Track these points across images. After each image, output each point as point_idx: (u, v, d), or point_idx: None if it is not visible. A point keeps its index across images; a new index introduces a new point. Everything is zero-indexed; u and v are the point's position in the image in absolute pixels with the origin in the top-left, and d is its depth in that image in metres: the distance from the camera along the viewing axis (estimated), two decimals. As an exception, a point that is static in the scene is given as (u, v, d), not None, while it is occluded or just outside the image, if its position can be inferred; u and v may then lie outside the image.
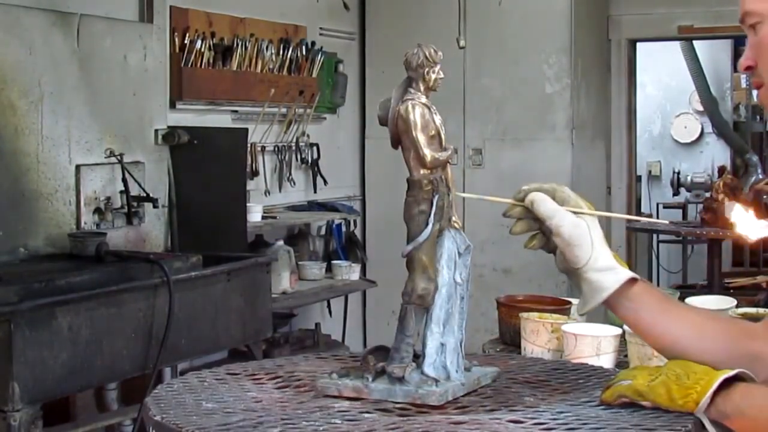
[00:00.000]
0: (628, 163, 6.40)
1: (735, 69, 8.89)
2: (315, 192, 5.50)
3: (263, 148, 5.05)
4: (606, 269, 1.49)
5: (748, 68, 1.50)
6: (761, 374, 1.44)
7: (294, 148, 5.28)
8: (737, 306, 2.54)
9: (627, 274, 1.50)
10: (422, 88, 1.53)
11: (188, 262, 3.51)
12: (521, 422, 1.40)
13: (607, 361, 2.05)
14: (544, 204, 1.50)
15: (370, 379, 1.50)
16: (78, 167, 3.70)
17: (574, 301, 2.57)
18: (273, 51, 5.03)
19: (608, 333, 2.10)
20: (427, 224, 1.50)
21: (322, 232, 5.57)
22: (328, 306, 5.43)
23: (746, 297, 4.54)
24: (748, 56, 1.50)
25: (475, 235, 5.80)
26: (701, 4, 5.98)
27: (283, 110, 5.15)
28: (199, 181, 4.16)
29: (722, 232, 4.41)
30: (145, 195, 3.86)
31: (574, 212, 1.51)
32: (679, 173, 8.87)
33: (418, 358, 1.52)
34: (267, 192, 5.11)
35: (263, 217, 4.76)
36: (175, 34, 4.49)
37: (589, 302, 1.51)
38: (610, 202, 6.26)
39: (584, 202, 1.53)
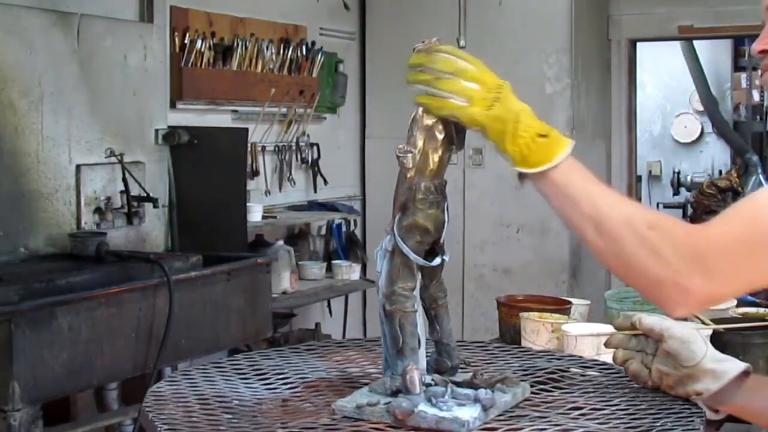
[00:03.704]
0: (628, 163, 6.39)
1: (735, 69, 8.89)
2: (315, 192, 5.50)
3: (263, 148, 5.05)
4: (725, 359, 1.57)
5: (763, 51, 1.50)
6: None
7: (294, 148, 5.28)
8: (737, 306, 2.53)
9: (744, 363, 1.56)
10: None
11: (188, 262, 3.52)
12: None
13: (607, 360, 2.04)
14: (650, 317, 1.62)
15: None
16: (78, 167, 3.70)
17: (575, 301, 2.57)
18: (273, 51, 5.03)
19: (608, 333, 2.10)
20: None
21: (323, 232, 5.57)
22: (329, 306, 5.43)
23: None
24: (765, 41, 1.50)
25: (475, 235, 5.81)
26: (701, 4, 5.98)
27: (284, 110, 5.15)
28: (199, 181, 4.16)
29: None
30: (145, 195, 3.86)
31: None
32: (679, 173, 8.88)
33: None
34: (267, 192, 5.11)
35: (263, 217, 4.76)
36: (175, 33, 4.49)
37: (709, 388, 1.53)
38: (610, 202, 6.26)
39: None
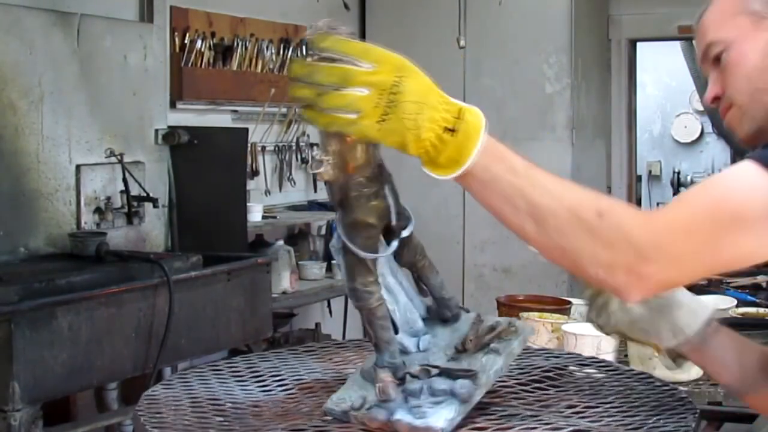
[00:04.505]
0: (628, 163, 6.40)
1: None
2: (315, 192, 5.50)
3: (263, 147, 5.05)
4: (697, 298, 1.49)
5: (716, 99, 1.49)
6: None
7: (294, 147, 5.28)
8: (737, 306, 2.54)
9: (714, 306, 1.52)
10: None
11: (188, 262, 3.52)
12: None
13: (607, 361, 2.04)
14: None
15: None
16: (78, 167, 3.70)
17: (575, 301, 2.57)
18: (273, 51, 5.03)
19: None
20: None
21: (322, 231, 5.57)
22: (329, 306, 5.43)
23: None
24: (714, 88, 1.49)
25: (475, 235, 5.81)
26: (701, 4, 5.97)
27: (284, 110, 5.15)
28: (199, 181, 4.17)
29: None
30: (145, 195, 3.86)
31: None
32: (679, 173, 8.88)
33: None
34: (267, 192, 5.11)
35: (263, 217, 4.76)
36: (175, 34, 4.49)
37: (689, 325, 1.46)
38: (610, 202, 6.26)
39: None
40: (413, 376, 1.40)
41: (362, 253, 1.36)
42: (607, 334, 1.55)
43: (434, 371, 1.40)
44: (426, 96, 1.19)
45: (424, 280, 1.49)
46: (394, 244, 1.40)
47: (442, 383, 1.38)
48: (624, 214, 1.24)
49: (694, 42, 1.57)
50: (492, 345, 1.43)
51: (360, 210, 1.35)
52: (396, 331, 1.44)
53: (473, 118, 1.21)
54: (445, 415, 1.34)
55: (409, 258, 1.46)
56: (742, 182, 1.26)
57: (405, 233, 1.41)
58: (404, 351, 1.45)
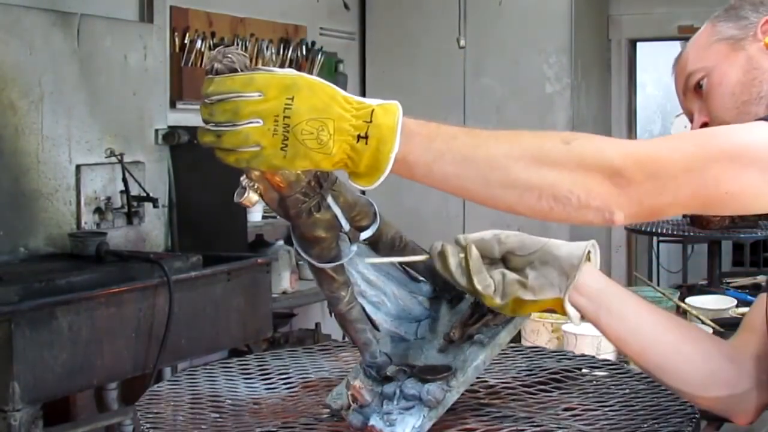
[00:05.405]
0: (628, 163, 6.39)
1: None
2: (315, 192, 5.50)
3: (263, 148, 5.05)
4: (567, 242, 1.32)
5: (703, 126, 1.52)
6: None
7: (294, 148, 5.28)
8: (737, 306, 2.54)
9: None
10: None
11: (188, 262, 3.52)
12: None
13: (607, 361, 2.04)
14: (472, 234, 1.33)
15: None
16: (78, 167, 3.70)
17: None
18: (273, 51, 5.03)
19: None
20: None
21: (322, 232, 5.57)
22: (329, 306, 5.42)
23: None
24: (700, 117, 1.54)
25: (475, 235, 5.81)
26: (701, 4, 5.95)
27: (283, 110, 5.15)
28: (199, 181, 4.16)
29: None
30: (145, 195, 3.86)
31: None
32: (679, 173, 8.87)
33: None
34: (267, 192, 5.11)
35: (263, 217, 4.76)
36: (175, 33, 4.49)
37: (574, 256, 1.30)
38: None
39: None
40: (390, 378, 1.38)
41: (318, 264, 1.35)
42: (506, 312, 1.33)
43: (410, 371, 1.38)
44: (326, 109, 1.11)
45: (410, 268, 1.46)
46: (353, 248, 1.37)
47: (412, 387, 1.35)
48: (592, 137, 1.16)
49: (673, 77, 1.66)
50: (476, 336, 1.39)
51: (304, 226, 1.32)
52: (377, 329, 1.42)
53: (385, 119, 1.12)
54: (411, 422, 1.33)
55: (387, 252, 1.43)
56: (745, 126, 1.20)
57: (364, 235, 1.38)
58: (403, 339, 1.45)
